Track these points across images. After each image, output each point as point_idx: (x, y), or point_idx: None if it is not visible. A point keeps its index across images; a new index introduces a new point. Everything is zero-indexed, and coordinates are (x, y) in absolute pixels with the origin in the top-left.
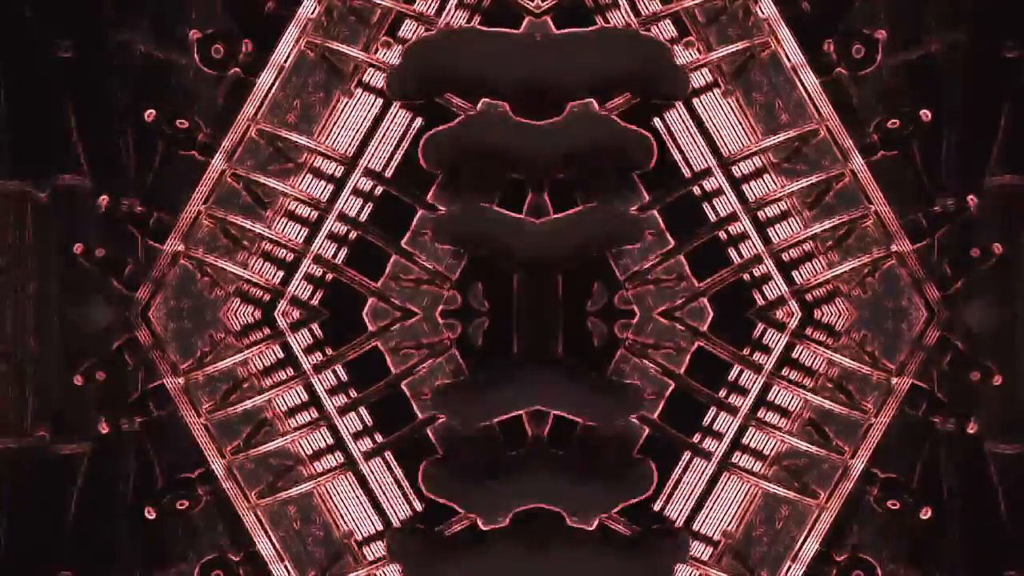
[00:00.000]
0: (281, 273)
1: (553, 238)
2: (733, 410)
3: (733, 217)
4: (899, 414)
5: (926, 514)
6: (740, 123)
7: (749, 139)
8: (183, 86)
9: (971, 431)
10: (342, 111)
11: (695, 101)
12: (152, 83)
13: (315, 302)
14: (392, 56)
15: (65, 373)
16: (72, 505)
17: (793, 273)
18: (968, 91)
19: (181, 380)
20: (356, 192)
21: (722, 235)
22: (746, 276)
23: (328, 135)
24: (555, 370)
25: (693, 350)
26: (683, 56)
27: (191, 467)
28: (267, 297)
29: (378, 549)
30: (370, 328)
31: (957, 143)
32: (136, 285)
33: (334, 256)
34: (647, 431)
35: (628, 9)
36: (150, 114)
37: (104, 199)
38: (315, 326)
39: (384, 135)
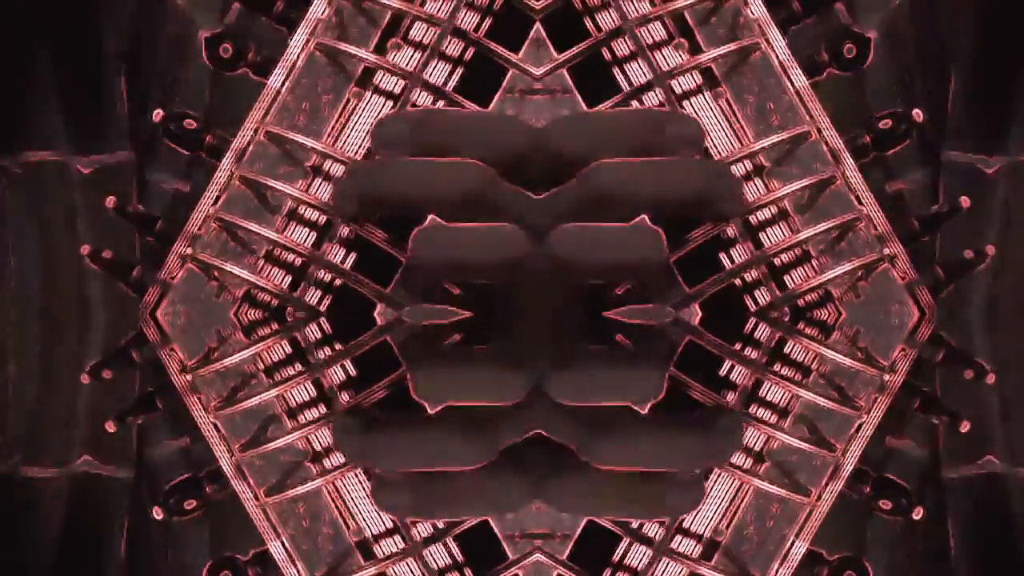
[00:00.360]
0: (290, 278)
1: None
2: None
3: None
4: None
5: (918, 514)
6: (730, 126)
7: (740, 142)
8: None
9: (964, 430)
10: (351, 114)
11: (685, 104)
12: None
13: (324, 306)
14: (402, 58)
15: (43, 392)
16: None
17: (784, 278)
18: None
19: (188, 377)
20: None
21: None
22: (737, 281)
23: (337, 138)
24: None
25: (683, 346)
26: (672, 58)
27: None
28: (275, 302)
29: (389, 546)
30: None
31: (968, 99)
32: (143, 288)
33: (343, 260)
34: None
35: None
36: (157, 114)
37: (111, 199)
38: (323, 321)
39: None
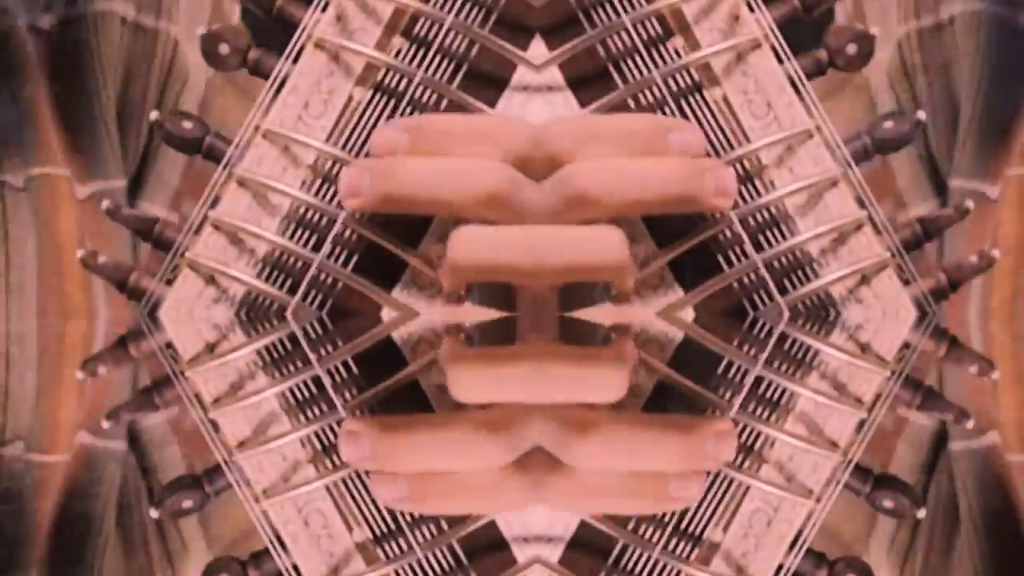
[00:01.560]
0: (290, 280)
1: None
2: (723, 406)
3: (721, 222)
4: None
5: (922, 514)
6: (728, 125)
7: (738, 141)
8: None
9: (969, 427)
10: (353, 112)
11: (681, 102)
12: (136, 59)
13: (325, 308)
14: (405, 55)
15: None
16: (47, 519)
17: (784, 281)
18: (987, 65)
19: (187, 374)
20: None
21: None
22: (735, 284)
23: (339, 137)
24: None
25: (678, 343)
26: (669, 55)
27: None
28: (275, 303)
29: (390, 548)
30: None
31: (973, 128)
32: (140, 293)
33: (346, 262)
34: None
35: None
36: (153, 115)
37: (106, 202)
38: (325, 319)
39: None
